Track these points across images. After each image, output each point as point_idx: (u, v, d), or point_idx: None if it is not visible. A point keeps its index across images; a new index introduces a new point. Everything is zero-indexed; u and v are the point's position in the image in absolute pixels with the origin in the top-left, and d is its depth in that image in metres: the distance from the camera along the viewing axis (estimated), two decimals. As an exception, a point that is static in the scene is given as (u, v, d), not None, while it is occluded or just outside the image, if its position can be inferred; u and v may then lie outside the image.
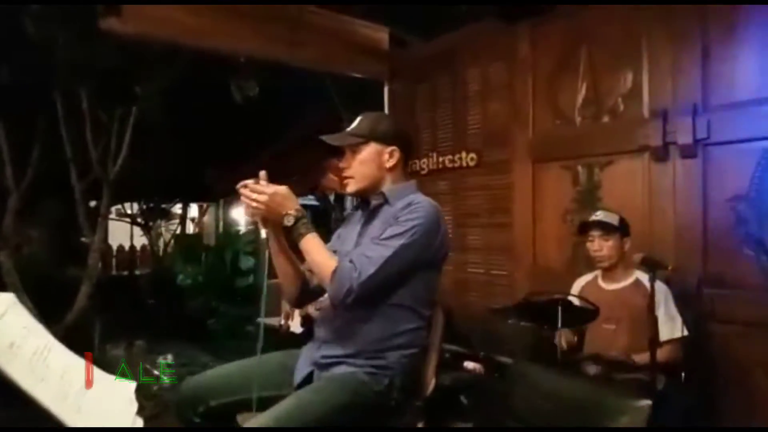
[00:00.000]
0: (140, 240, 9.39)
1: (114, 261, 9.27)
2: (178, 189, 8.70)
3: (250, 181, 1.55)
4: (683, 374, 2.41)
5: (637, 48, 2.97)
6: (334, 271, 1.50)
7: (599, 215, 2.59)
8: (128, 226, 9.12)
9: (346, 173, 1.68)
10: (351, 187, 1.69)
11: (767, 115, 2.51)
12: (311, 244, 1.54)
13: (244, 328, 7.02)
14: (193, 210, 10.85)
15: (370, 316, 1.57)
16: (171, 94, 6.13)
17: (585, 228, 2.62)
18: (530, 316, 2.39)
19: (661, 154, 2.84)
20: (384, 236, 1.55)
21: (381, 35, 4.29)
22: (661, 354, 2.26)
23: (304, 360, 1.68)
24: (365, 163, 1.66)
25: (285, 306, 3.73)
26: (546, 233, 3.39)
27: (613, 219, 2.56)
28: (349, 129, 1.72)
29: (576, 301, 2.16)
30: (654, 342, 2.16)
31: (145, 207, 8.90)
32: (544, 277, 3.36)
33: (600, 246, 2.54)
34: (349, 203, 7.21)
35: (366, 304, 1.54)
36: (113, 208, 8.00)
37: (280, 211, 1.52)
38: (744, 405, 2.53)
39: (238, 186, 1.56)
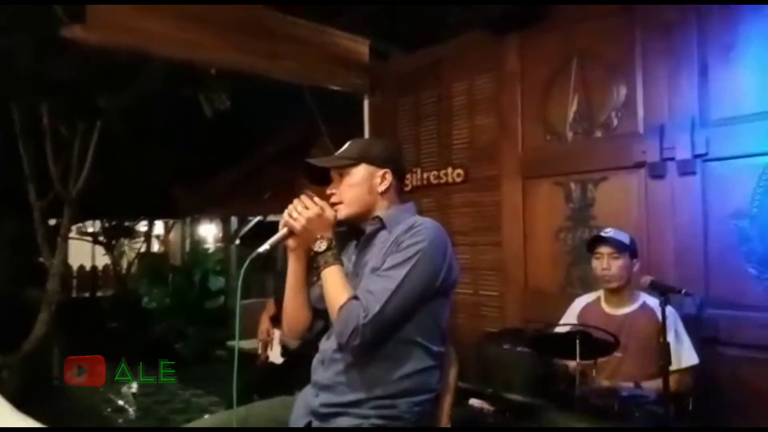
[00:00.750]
0: (102, 259, 8.97)
1: (74, 282, 8.82)
2: (142, 206, 8.34)
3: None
4: (691, 402, 2.29)
5: (630, 61, 2.89)
6: (341, 307, 1.36)
7: (610, 232, 2.46)
8: (89, 245, 8.70)
9: (334, 199, 1.54)
10: (340, 213, 1.54)
11: (767, 129, 2.44)
12: (333, 275, 1.44)
13: (215, 353, 6.72)
14: (159, 227, 10.46)
15: (374, 356, 1.40)
16: (137, 107, 5.86)
17: (594, 243, 2.49)
18: (546, 348, 2.24)
19: (658, 171, 2.75)
20: (386, 266, 1.41)
21: (362, 48, 4.14)
22: (673, 383, 2.14)
23: (301, 408, 1.48)
24: (356, 187, 1.54)
25: (262, 333, 3.50)
26: (538, 252, 3.26)
27: (624, 237, 2.44)
28: (338, 152, 1.59)
29: (595, 333, 2.01)
30: (666, 370, 2.03)
31: (107, 225, 8.51)
32: (537, 297, 3.24)
33: (609, 264, 2.41)
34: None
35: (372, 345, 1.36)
36: (74, 227, 7.61)
37: (315, 233, 1.45)
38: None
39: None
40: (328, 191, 1.56)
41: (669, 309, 2.14)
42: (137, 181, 7.38)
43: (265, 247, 1.43)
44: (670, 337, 2.14)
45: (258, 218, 7.33)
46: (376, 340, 1.35)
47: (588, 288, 2.98)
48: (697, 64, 2.66)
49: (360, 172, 1.54)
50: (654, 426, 1.84)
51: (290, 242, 1.49)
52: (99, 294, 8.58)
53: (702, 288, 2.57)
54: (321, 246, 1.45)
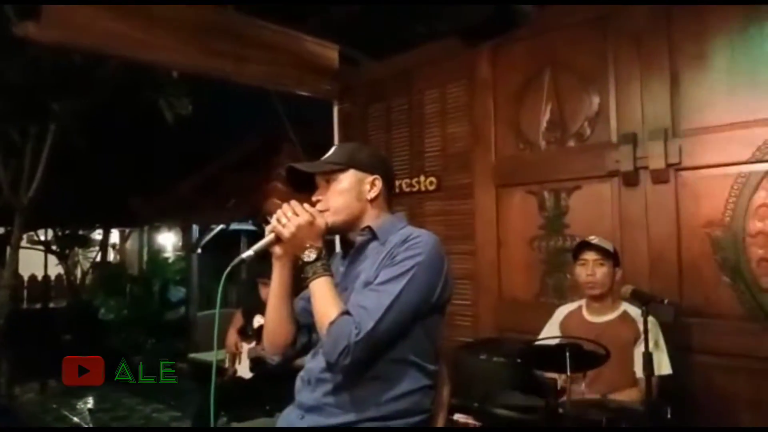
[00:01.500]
0: (55, 269, 8.58)
1: (25, 293, 8.42)
2: (97, 214, 8.04)
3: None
4: (669, 411, 2.28)
5: (603, 71, 2.90)
6: (332, 323, 1.27)
7: (594, 239, 2.45)
8: (41, 254, 8.31)
9: (320, 206, 1.44)
10: (327, 219, 1.44)
11: (739, 139, 2.48)
12: (323, 287, 1.35)
13: (175, 366, 6.48)
14: (114, 236, 10.10)
15: (365, 376, 1.31)
16: (93, 111, 5.64)
17: (579, 250, 2.48)
18: (535, 362, 2.19)
19: (631, 180, 2.76)
20: (380, 280, 1.32)
21: (331, 53, 4.07)
22: (642, 391, 2.14)
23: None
24: (344, 193, 1.45)
25: (230, 346, 3.37)
26: (511, 261, 3.24)
27: (608, 245, 2.43)
28: (324, 157, 1.50)
29: (585, 346, 1.98)
30: (649, 379, 2.02)
31: (60, 233, 8.15)
32: (511, 306, 3.21)
33: (594, 271, 2.40)
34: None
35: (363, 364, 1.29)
36: (24, 235, 7.25)
37: (305, 242, 1.36)
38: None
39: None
40: (314, 198, 1.47)
41: (650, 318, 2.14)
42: (92, 189, 7.11)
43: (249, 253, 1.34)
44: (651, 346, 2.13)
45: (221, 226, 7.13)
46: (368, 359, 1.28)
47: (562, 297, 2.98)
48: (669, 73, 2.68)
49: (348, 178, 1.46)
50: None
51: (277, 249, 1.40)
52: (52, 305, 8.19)
53: (676, 296, 2.59)
54: (310, 255, 1.36)
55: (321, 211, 1.42)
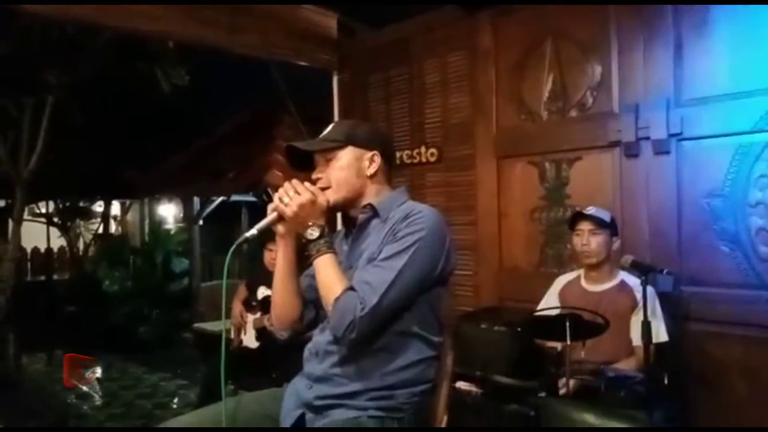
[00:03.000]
0: (57, 242, 8.60)
1: (29, 265, 8.46)
2: (98, 185, 8.02)
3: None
4: (666, 377, 2.34)
5: (606, 40, 2.87)
6: (337, 299, 1.30)
7: (591, 210, 2.49)
8: (43, 226, 8.32)
9: (321, 183, 1.45)
10: (329, 197, 1.45)
11: (741, 109, 2.47)
12: (327, 264, 1.37)
13: (180, 336, 6.59)
14: (115, 208, 10.09)
15: (372, 348, 1.35)
16: (90, 82, 5.58)
17: (575, 220, 2.51)
18: (536, 331, 2.24)
19: (633, 150, 2.76)
20: (382, 256, 1.35)
21: (329, 22, 4.01)
22: (639, 359, 2.19)
23: (291, 401, 1.42)
24: (344, 170, 1.46)
25: (236, 317, 3.42)
26: (512, 231, 3.26)
27: (605, 215, 2.46)
28: (322, 135, 1.51)
29: (585, 316, 2.01)
30: (647, 347, 2.06)
31: (61, 206, 8.15)
32: (511, 276, 3.25)
33: (588, 240, 2.44)
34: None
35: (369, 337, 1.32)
36: (26, 208, 7.27)
37: (307, 220, 1.38)
38: (721, 406, 2.50)
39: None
40: (314, 176, 1.47)
41: (648, 288, 2.17)
42: (92, 160, 7.09)
43: (252, 231, 1.35)
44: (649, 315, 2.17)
45: (221, 198, 7.14)
46: (373, 333, 1.31)
47: (562, 266, 3.02)
48: (673, 42, 2.66)
49: (347, 154, 1.46)
50: (639, 404, 1.86)
51: (280, 228, 1.41)
52: (55, 277, 8.24)
53: (675, 265, 2.61)
54: (313, 233, 1.38)
55: (322, 189, 1.44)
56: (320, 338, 1.43)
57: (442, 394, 1.44)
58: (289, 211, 1.35)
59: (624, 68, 2.82)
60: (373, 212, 1.46)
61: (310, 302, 1.48)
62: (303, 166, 1.51)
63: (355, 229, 1.49)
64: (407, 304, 1.35)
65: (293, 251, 1.45)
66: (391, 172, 1.55)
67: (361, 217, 1.47)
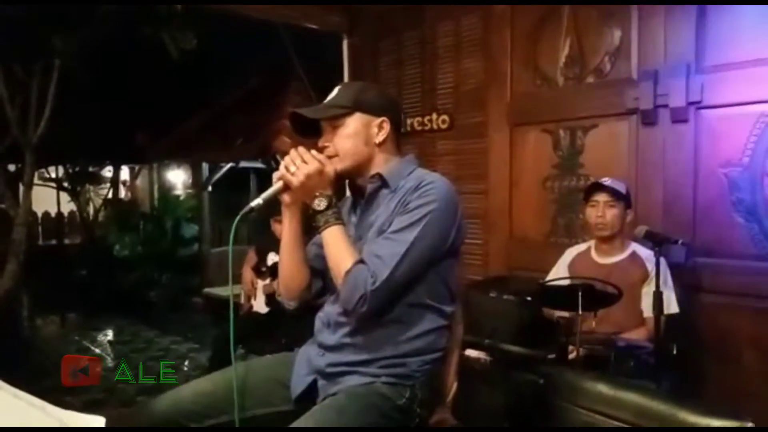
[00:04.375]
0: (68, 206, 8.66)
1: (40, 229, 8.54)
2: (107, 150, 8.02)
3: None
4: (675, 347, 2.33)
5: (626, 4, 2.78)
6: (348, 272, 1.28)
7: (607, 180, 2.44)
8: (53, 191, 8.37)
9: (328, 151, 1.41)
10: (337, 165, 1.41)
11: (764, 77, 2.40)
12: (335, 235, 1.34)
13: (190, 300, 6.67)
14: (124, 173, 10.11)
15: (385, 320, 1.34)
16: (97, 46, 5.52)
17: (591, 191, 2.46)
18: (546, 301, 2.23)
19: (650, 118, 2.70)
20: (393, 228, 1.32)
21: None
22: (649, 330, 2.18)
23: (303, 367, 1.43)
24: (351, 138, 1.41)
25: (246, 283, 3.44)
26: (524, 201, 3.23)
27: (620, 186, 2.42)
28: (327, 100, 1.45)
29: (597, 286, 2.00)
30: (658, 319, 2.05)
31: (71, 170, 8.17)
32: (521, 246, 3.23)
33: (604, 212, 2.40)
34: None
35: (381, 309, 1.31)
36: (35, 172, 7.29)
37: (314, 190, 1.34)
38: (731, 377, 2.50)
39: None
40: (321, 143, 1.43)
41: (661, 259, 2.15)
42: (101, 125, 7.06)
43: (258, 201, 1.32)
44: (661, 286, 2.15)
45: (230, 164, 7.12)
46: (384, 306, 1.30)
47: (573, 237, 2.99)
48: (695, 7, 2.56)
49: (355, 121, 1.41)
50: (647, 374, 1.86)
51: (285, 197, 1.38)
52: (66, 241, 8.33)
53: (689, 236, 2.58)
54: (321, 204, 1.34)
55: (329, 157, 1.40)
56: (331, 309, 1.42)
57: (453, 362, 1.43)
58: (295, 181, 1.32)
59: (644, 33, 2.73)
60: (382, 182, 1.42)
61: (318, 272, 1.46)
62: (310, 132, 1.47)
63: (363, 199, 1.46)
64: (419, 277, 1.33)
65: (299, 221, 1.42)
66: (400, 138, 1.50)
67: (370, 187, 1.44)
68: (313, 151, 1.37)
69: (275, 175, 1.37)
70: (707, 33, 2.55)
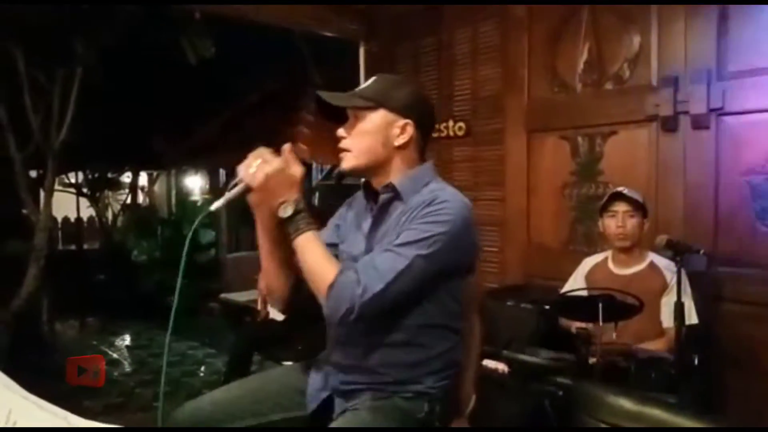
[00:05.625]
0: (87, 211, 8.78)
1: (60, 234, 8.66)
2: (125, 156, 8.12)
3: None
4: (696, 359, 2.29)
5: (645, 8, 2.75)
6: (331, 285, 1.20)
7: (625, 190, 2.41)
8: (72, 196, 8.50)
9: (342, 144, 1.33)
10: (346, 163, 1.34)
11: (787, 83, 2.36)
12: (309, 243, 1.23)
13: (207, 305, 6.70)
14: (143, 179, 10.23)
15: (397, 343, 1.30)
16: (117, 53, 5.59)
17: (610, 201, 2.43)
18: (565, 311, 2.20)
19: (670, 125, 2.66)
20: (398, 242, 1.23)
21: (357, -9, 3.93)
22: (668, 341, 2.15)
23: (318, 381, 1.41)
24: (369, 135, 1.31)
25: (261, 289, 3.44)
26: (541, 208, 3.20)
27: (638, 196, 2.39)
28: (358, 89, 1.37)
29: (618, 297, 1.97)
30: (680, 330, 2.01)
31: (90, 176, 8.29)
32: (539, 254, 3.20)
33: (624, 222, 2.37)
34: (315, 173, 6.91)
35: (384, 328, 1.28)
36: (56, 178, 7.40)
37: (277, 193, 1.23)
38: (753, 388, 2.44)
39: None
40: (339, 133, 1.35)
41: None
42: (120, 131, 7.16)
43: (218, 204, 1.24)
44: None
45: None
46: (375, 318, 1.23)
47: (591, 245, 2.96)
48: (717, 12, 2.53)
49: (376, 118, 1.31)
50: (668, 386, 1.82)
51: (253, 198, 1.26)
52: (85, 246, 8.44)
53: (710, 245, 2.53)
54: (286, 211, 1.23)
55: (342, 151, 1.33)
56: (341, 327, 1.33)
57: (471, 374, 1.42)
58: (255, 181, 1.21)
59: (664, 39, 2.70)
60: (395, 193, 1.33)
61: None
62: (336, 118, 1.36)
63: (377, 206, 1.37)
64: (429, 297, 1.28)
65: (271, 220, 1.29)
66: (425, 146, 1.38)
67: (384, 197, 1.35)
68: (285, 146, 1.26)
69: (238, 176, 1.25)
70: (729, 38, 2.51)
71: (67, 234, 8.82)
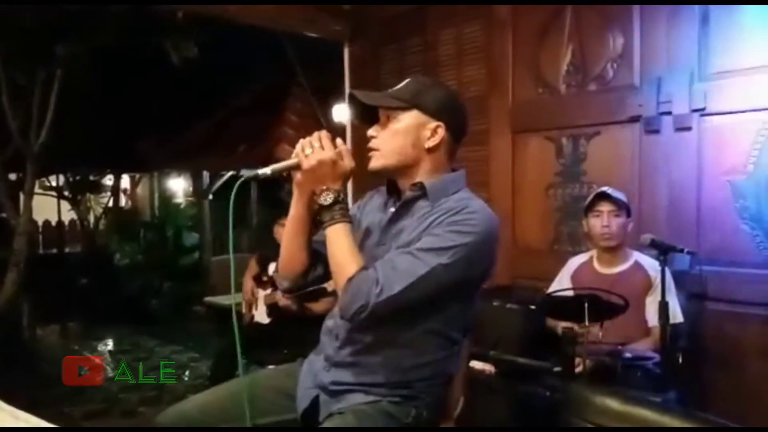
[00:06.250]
0: (68, 215, 8.66)
1: (40, 238, 8.54)
2: (107, 159, 8.03)
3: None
4: (680, 357, 2.30)
5: (628, 10, 2.77)
6: (350, 279, 1.21)
7: (609, 190, 2.42)
8: (53, 199, 8.37)
9: (372, 144, 1.33)
10: (374, 162, 1.34)
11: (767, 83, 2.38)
12: (340, 235, 1.26)
13: (191, 309, 6.64)
14: (125, 181, 10.13)
15: (396, 344, 1.29)
16: (99, 55, 5.53)
17: (595, 200, 2.44)
18: (551, 311, 2.21)
19: (653, 125, 2.68)
20: (420, 246, 1.23)
21: (341, -8, 3.92)
22: (654, 340, 2.16)
23: (308, 379, 1.40)
24: (400, 135, 1.31)
25: (247, 293, 3.42)
26: (526, 209, 3.21)
27: (622, 196, 2.40)
28: (392, 89, 1.36)
29: (603, 296, 1.98)
30: (665, 328, 2.03)
31: (71, 179, 8.18)
32: (525, 254, 3.21)
33: (609, 222, 2.38)
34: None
35: (386, 327, 1.27)
36: (36, 181, 7.29)
37: (323, 180, 1.26)
38: (737, 386, 2.47)
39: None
40: (370, 133, 1.35)
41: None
42: (102, 134, 7.08)
43: (265, 170, 1.25)
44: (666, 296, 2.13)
45: (231, 172, 7.11)
46: (386, 318, 1.24)
47: (577, 245, 2.97)
48: (698, 13, 2.55)
49: (408, 119, 1.31)
50: (654, 385, 1.83)
51: (298, 175, 1.30)
52: (67, 250, 8.32)
53: (693, 244, 2.55)
54: (327, 199, 1.26)
55: (371, 150, 1.33)
56: (342, 322, 1.34)
57: (459, 378, 1.41)
58: (306, 164, 1.25)
59: (646, 40, 2.72)
60: (423, 193, 1.32)
61: (323, 257, 1.35)
62: (368, 119, 1.38)
63: (399, 201, 1.36)
64: (435, 304, 1.27)
65: (306, 204, 1.34)
66: (455, 151, 1.38)
67: (409, 194, 1.34)
68: (339, 140, 1.29)
69: (294, 152, 1.29)
70: (710, 40, 2.54)
71: (48, 238, 8.69)
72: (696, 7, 2.55)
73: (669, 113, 2.63)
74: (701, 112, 2.55)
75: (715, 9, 2.52)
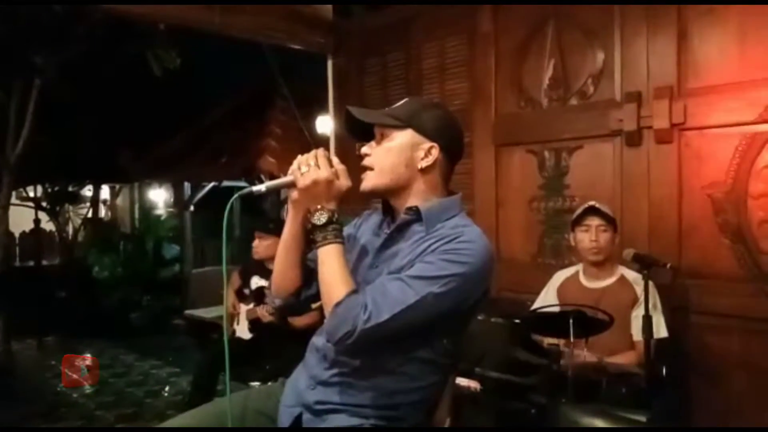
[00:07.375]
0: (46, 226, 8.48)
1: (17, 250, 8.35)
2: (86, 169, 7.90)
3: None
4: (664, 370, 2.31)
5: (609, 26, 2.81)
6: (338, 303, 1.18)
7: (597, 204, 2.43)
8: (32, 210, 8.20)
9: (366, 162, 1.31)
10: (366, 183, 1.32)
11: (746, 99, 2.42)
12: (331, 256, 1.23)
13: (171, 322, 6.54)
14: (104, 192, 9.98)
15: (384, 369, 1.26)
16: (78, 65, 5.46)
17: (584, 215, 2.45)
18: (537, 327, 2.20)
19: (634, 139, 2.71)
20: (412, 273, 1.19)
21: (324, 3, 3.92)
22: (639, 354, 2.17)
23: (290, 397, 1.36)
24: (392, 154, 1.29)
25: (228, 307, 3.36)
26: (510, 221, 3.22)
27: (609, 210, 2.41)
28: (389, 108, 1.35)
29: (588, 312, 1.97)
30: (649, 342, 2.03)
31: (50, 190, 8.03)
32: (508, 267, 3.20)
33: (597, 236, 2.39)
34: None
35: (375, 353, 1.24)
36: (13, 192, 7.14)
37: (318, 199, 1.25)
38: (721, 399, 2.48)
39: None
40: (364, 150, 1.33)
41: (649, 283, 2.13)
42: (81, 144, 6.98)
43: (260, 187, 1.25)
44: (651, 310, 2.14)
45: (213, 184, 7.05)
46: (372, 346, 1.21)
47: (560, 258, 2.98)
48: (677, 29, 2.60)
49: (403, 138, 1.29)
50: (639, 400, 1.83)
51: (294, 193, 1.28)
52: (45, 262, 8.14)
53: (675, 257, 2.58)
54: (320, 218, 1.24)
55: (365, 169, 1.31)
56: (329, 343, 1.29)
57: (446, 401, 1.38)
58: (301, 182, 1.23)
59: (627, 55, 2.76)
60: (418, 217, 1.29)
61: (317, 279, 1.30)
62: (363, 137, 1.35)
63: (394, 223, 1.34)
64: (426, 332, 1.24)
65: (301, 223, 1.33)
66: (451, 173, 1.35)
67: (403, 218, 1.31)
68: (336, 160, 1.27)
69: (290, 169, 1.27)
70: (689, 55, 2.58)
71: (25, 249, 8.50)
72: (674, 23, 2.59)
73: (649, 127, 2.66)
74: (681, 126, 2.59)
75: (693, 26, 2.56)
